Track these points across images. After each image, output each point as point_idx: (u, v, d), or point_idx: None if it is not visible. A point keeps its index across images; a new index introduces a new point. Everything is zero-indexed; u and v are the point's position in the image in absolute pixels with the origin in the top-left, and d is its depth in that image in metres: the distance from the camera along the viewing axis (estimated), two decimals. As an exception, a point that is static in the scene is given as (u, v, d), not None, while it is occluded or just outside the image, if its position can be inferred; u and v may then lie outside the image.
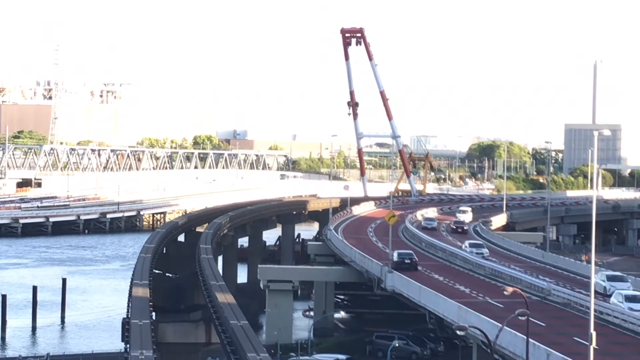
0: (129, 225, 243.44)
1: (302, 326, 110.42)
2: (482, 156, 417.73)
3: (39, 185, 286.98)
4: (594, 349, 52.92)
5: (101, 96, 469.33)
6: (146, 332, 66.36)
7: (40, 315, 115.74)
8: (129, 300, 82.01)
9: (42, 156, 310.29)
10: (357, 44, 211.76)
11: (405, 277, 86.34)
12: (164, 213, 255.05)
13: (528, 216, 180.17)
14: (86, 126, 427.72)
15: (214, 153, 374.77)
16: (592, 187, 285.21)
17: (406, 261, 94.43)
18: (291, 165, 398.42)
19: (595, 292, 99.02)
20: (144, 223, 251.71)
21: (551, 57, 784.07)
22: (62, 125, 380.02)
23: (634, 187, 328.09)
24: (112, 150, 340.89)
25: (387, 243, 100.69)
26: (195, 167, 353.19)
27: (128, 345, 65.51)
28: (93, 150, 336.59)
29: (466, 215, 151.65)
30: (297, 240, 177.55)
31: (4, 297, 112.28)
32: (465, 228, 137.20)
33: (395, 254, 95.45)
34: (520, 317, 55.33)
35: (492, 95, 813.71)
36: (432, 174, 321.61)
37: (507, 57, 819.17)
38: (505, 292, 59.70)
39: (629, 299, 73.90)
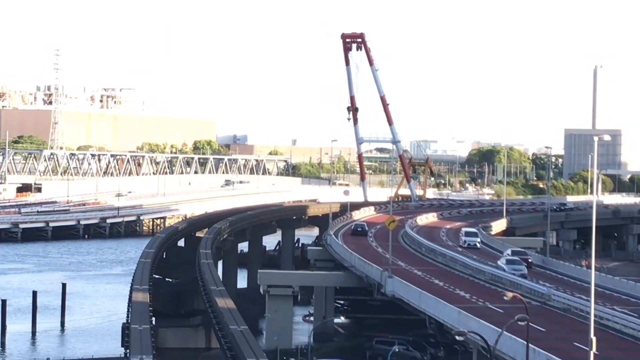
0: (128, 230, 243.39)
1: (302, 331, 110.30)
2: (482, 161, 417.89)
3: (39, 190, 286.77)
4: (594, 354, 52.90)
5: (101, 101, 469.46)
6: (146, 337, 66.37)
7: (40, 320, 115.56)
8: (128, 305, 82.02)
9: (42, 161, 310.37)
10: (357, 49, 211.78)
11: (406, 282, 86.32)
12: (163, 218, 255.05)
13: (528, 221, 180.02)
14: (86, 131, 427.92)
15: (213, 158, 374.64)
16: (592, 192, 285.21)
17: (358, 229, 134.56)
18: (291, 170, 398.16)
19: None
20: (144, 228, 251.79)
21: (551, 62, 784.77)
22: (62, 130, 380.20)
23: (634, 193, 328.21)
24: (112, 155, 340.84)
25: (387, 248, 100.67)
26: (195, 172, 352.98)
27: (128, 350, 65.52)
28: (93, 155, 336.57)
29: (477, 239, 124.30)
30: (297, 245, 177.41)
31: (4, 302, 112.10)
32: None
33: (353, 225, 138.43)
34: (520, 322, 55.33)
35: (492, 101, 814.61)
36: (432, 179, 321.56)
37: (507, 63, 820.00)
38: (505, 298, 59.67)
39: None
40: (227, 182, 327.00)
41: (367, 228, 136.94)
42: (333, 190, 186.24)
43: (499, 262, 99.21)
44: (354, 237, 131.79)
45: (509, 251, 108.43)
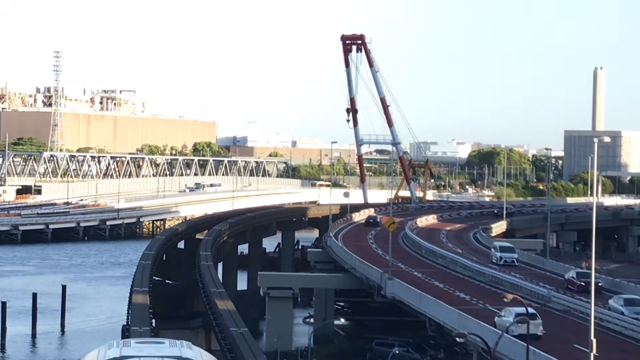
0: (128, 232, 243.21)
1: (302, 333, 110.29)
2: (482, 163, 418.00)
3: (38, 192, 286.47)
4: (594, 356, 52.90)
5: (101, 103, 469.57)
6: (146, 339, 66.19)
7: (41, 322, 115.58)
8: (128, 307, 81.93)
9: (41, 163, 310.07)
10: (357, 51, 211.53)
11: (406, 284, 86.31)
12: (163, 220, 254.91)
13: (528, 223, 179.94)
14: (86, 133, 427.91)
15: (213, 160, 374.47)
16: (592, 194, 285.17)
17: (371, 220, 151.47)
18: (291, 171, 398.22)
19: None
20: (144, 230, 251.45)
21: (551, 63, 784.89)
22: (62, 132, 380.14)
23: (634, 194, 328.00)
24: (112, 157, 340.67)
25: (387, 250, 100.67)
26: (195, 174, 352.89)
27: (128, 352, 65.32)
28: (93, 157, 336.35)
29: (514, 255, 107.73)
30: (297, 247, 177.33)
31: (4, 304, 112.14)
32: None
33: (366, 217, 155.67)
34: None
35: (492, 102, 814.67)
36: (432, 180, 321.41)
37: (508, 63, 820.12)
38: (505, 299, 59.67)
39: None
40: (197, 185, 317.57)
41: (378, 219, 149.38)
42: (329, 192, 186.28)
43: (611, 302, 74.99)
44: (354, 238, 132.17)
45: (572, 273, 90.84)
